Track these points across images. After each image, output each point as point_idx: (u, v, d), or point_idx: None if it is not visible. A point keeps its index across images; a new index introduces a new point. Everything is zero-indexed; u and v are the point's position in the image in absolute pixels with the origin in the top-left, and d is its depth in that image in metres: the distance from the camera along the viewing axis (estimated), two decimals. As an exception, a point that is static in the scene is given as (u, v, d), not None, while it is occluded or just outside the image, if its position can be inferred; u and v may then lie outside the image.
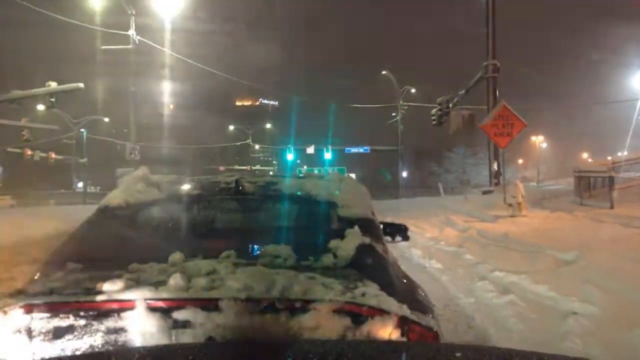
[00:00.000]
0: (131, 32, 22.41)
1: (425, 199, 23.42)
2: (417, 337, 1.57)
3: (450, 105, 25.49)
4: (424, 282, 5.21)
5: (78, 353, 1.44)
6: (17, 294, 1.64)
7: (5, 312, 1.51)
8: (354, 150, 43.13)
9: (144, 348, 1.39)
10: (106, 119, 45.95)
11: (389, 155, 45.96)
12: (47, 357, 1.42)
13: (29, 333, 1.49)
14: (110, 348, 1.46)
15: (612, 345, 3.49)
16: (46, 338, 1.49)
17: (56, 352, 1.45)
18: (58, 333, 1.49)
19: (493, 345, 3.47)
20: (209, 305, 1.51)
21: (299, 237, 2.29)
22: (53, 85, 19.68)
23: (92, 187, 50.56)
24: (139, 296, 1.52)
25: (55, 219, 13.73)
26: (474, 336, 4.04)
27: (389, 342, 1.46)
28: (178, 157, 60.93)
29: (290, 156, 39.96)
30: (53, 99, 19.77)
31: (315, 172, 22.80)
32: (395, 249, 8.42)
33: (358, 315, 1.52)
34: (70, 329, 1.49)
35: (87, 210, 2.74)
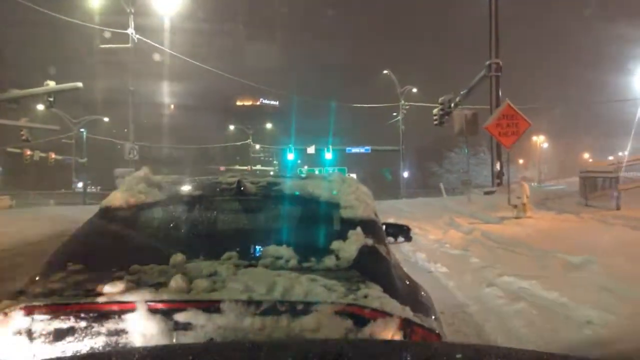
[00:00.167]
0: (130, 30, 22.21)
1: (427, 199, 23.18)
2: (420, 339, 1.55)
3: (452, 104, 25.31)
4: (430, 287, 5.01)
5: (78, 355, 1.44)
6: (18, 295, 1.64)
7: (5, 314, 1.51)
8: (355, 150, 42.93)
9: (144, 348, 1.38)
10: (106, 119, 45.84)
11: (390, 155, 45.80)
12: (47, 358, 1.39)
13: (30, 335, 1.49)
14: (111, 350, 1.45)
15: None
16: (47, 340, 1.48)
17: (56, 354, 1.44)
18: (58, 335, 1.48)
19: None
20: (210, 307, 1.50)
21: (301, 239, 2.26)
22: (51, 84, 19.52)
23: (92, 187, 50.45)
24: (139, 298, 1.51)
25: (52, 220, 13.65)
26: (485, 347, 3.83)
27: (389, 342, 1.45)
28: (178, 157, 60.94)
29: (290, 156, 39.74)
30: (51, 99, 19.63)
31: (316, 172, 22.73)
32: (400, 252, 8.26)
33: (360, 317, 1.50)
34: (70, 331, 1.49)
35: (86, 211, 2.68)
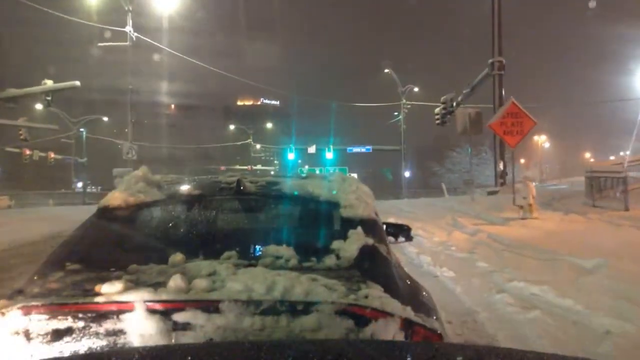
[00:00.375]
0: (128, 28, 21.96)
1: (429, 199, 22.92)
2: (421, 339, 1.54)
3: (454, 104, 25.08)
4: (436, 293, 4.75)
5: (77, 355, 1.43)
6: (15, 295, 1.62)
7: (3, 314, 1.49)
8: (356, 149, 42.71)
9: (143, 349, 1.36)
10: (105, 119, 45.66)
11: (391, 154, 45.60)
12: (45, 359, 1.37)
13: (27, 335, 1.47)
14: (109, 350, 1.44)
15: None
16: (44, 340, 1.46)
17: (54, 354, 1.42)
18: (56, 335, 1.47)
19: None
20: (210, 307, 1.49)
21: (301, 238, 2.26)
22: (49, 83, 19.31)
23: (92, 187, 50.32)
24: (138, 298, 1.49)
25: (50, 221, 13.48)
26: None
27: (389, 342, 1.43)
28: (179, 157, 60.79)
29: (291, 156, 39.54)
30: (49, 98, 19.43)
31: (317, 172, 22.54)
32: (403, 255, 8.02)
33: (361, 317, 1.49)
34: (68, 331, 1.47)
35: (85, 212, 2.65)
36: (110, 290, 1.55)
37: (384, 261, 2.03)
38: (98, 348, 1.45)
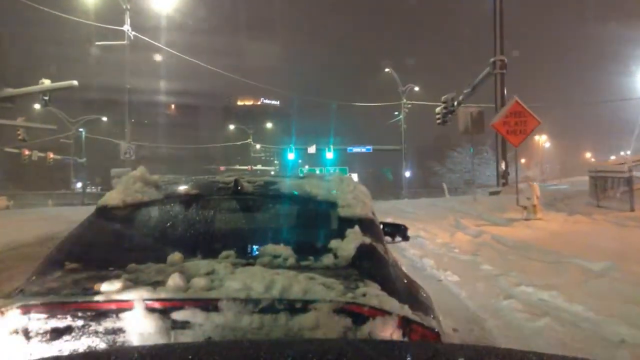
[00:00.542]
0: (126, 27, 21.78)
1: (430, 199, 22.71)
2: (419, 337, 1.55)
3: (455, 103, 24.89)
4: (441, 298, 4.58)
5: (76, 354, 1.42)
6: (14, 294, 1.63)
7: (2, 313, 1.49)
8: (356, 149, 42.52)
9: (142, 347, 1.36)
10: (104, 118, 45.50)
11: (391, 154, 45.42)
12: (44, 358, 1.34)
13: (26, 334, 1.47)
14: (108, 349, 1.43)
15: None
16: (43, 339, 1.47)
17: (53, 353, 1.43)
18: (55, 334, 1.47)
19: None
20: (208, 305, 1.49)
21: (299, 237, 2.28)
22: (46, 82, 19.14)
23: (92, 188, 50.16)
24: (137, 296, 1.49)
25: (49, 221, 13.31)
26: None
27: (389, 342, 1.44)
28: (178, 157, 60.61)
29: (291, 156, 39.37)
30: (47, 97, 19.24)
31: (317, 172, 22.35)
32: (405, 257, 7.84)
33: (359, 315, 1.50)
34: (67, 330, 1.47)
35: (84, 212, 2.64)
36: (109, 289, 1.55)
37: (381, 260, 2.04)
38: (97, 346, 1.45)
